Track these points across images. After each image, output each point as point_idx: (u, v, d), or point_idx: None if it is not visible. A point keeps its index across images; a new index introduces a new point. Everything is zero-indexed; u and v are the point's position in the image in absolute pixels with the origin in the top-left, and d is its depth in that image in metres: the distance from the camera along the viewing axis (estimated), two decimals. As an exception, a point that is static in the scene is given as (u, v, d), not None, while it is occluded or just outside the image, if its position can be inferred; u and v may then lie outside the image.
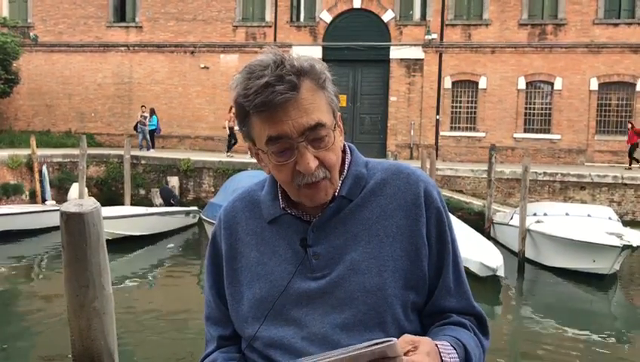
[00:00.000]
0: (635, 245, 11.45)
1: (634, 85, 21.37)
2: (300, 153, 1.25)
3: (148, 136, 22.62)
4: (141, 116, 22.69)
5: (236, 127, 20.11)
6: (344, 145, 1.39)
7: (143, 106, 23.20)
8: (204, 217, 14.34)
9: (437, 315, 1.38)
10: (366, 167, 1.40)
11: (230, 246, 1.42)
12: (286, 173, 1.28)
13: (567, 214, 13.29)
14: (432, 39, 22.47)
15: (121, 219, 13.95)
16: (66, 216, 2.24)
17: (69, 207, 2.27)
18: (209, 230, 13.88)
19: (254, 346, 1.36)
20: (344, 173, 1.37)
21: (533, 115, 22.14)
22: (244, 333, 1.39)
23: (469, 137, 22.60)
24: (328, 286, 1.31)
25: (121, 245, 13.24)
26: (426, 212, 1.35)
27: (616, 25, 21.54)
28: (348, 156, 1.40)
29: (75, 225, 2.24)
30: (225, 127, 21.24)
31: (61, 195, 18.44)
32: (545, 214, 13.53)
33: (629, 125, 20.26)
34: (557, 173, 17.61)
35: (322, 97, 1.28)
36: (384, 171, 1.39)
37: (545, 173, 17.66)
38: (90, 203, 2.32)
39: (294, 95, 1.22)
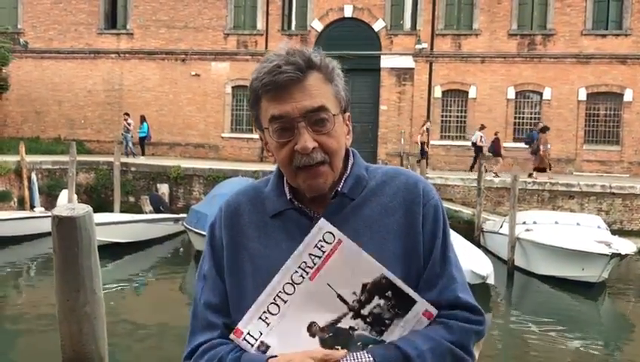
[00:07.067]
0: (623, 253, 11.52)
1: (622, 95, 21.57)
2: (299, 132, 1.30)
3: (130, 144, 22.70)
4: (125, 123, 22.82)
5: (423, 139, 20.15)
6: (347, 149, 1.44)
7: (125, 114, 23.23)
8: (185, 225, 14.12)
9: None
10: (366, 170, 1.45)
11: (231, 237, 1.42)
12: (285, 153, 1.32)
13: (556, 223, 13.36)
14: (423, 49, 22.60)
15: (108, 225, 13.75)
16: (58, 220, 2.23)
17: (62, 210, 2.26)
18: (192, 237, 13.74)
19: None
20: (347, 172, 1.41)
21: (523, 125, 22.27)
22: None
23: (458, 146, 22.69)
24: None
25: (108, 252, 13.15)
26: (423, 209, 1.39)
27: (604, 36, 21.77)
28: (351, 158, 1.45)
29: (67, 229, 2.23)
30: (417, 142, 21.28)
31: (50, 202, 18.29)
32: (534, 223, 13.58)
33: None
34: (546, 182, 17.71)
35: (329, 89, 1.35)
36: (384, 174, 1.44)
37: (534, 182, 17.76)
38: (82, 207, 2.32)
39: (299, 76, 1.29)
